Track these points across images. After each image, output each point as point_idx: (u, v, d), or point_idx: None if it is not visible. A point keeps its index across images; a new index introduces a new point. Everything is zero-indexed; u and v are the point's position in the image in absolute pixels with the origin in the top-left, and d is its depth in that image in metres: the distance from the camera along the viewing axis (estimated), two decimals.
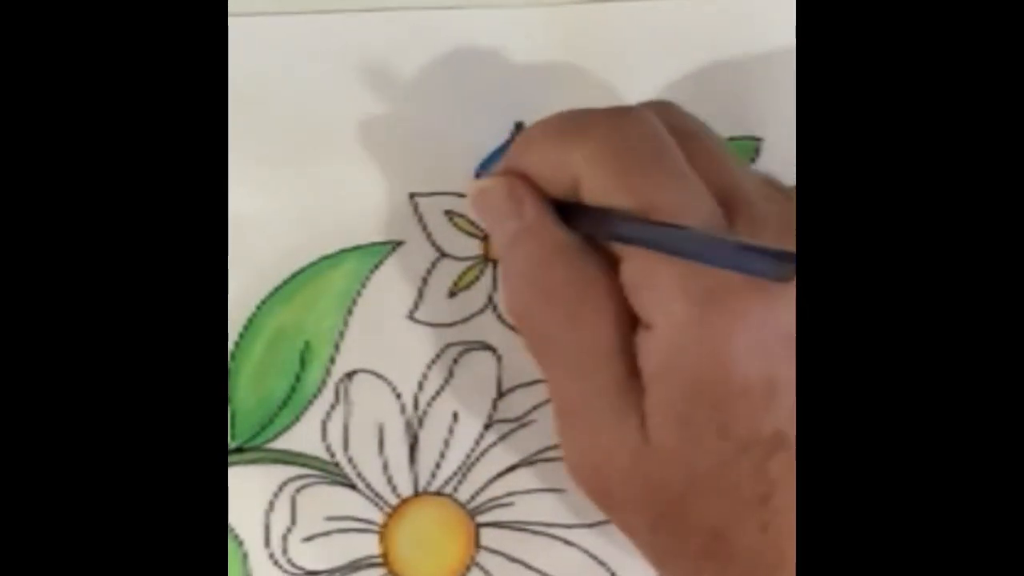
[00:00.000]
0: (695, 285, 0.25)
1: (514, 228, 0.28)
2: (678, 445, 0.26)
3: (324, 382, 0.31)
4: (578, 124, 0.28)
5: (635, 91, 0.31)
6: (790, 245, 0.24)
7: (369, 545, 0.31)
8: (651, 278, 0.26)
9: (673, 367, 0.26)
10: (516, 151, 0.29)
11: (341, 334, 0.31)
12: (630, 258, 0.26)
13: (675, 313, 0.25)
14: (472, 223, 0.32)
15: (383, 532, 0.31)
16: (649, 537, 0.27)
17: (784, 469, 0.25)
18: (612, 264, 0.27)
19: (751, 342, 0.25)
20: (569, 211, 0.28)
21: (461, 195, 0.31)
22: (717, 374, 0.25)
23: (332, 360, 0.31)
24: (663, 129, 0.27)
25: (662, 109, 0.28)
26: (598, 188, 0.27)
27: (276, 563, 0.31)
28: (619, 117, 0.27)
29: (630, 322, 0.26)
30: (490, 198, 0.29)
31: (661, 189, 0.26)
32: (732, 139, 0.32)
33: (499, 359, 0.32)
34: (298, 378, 0.31)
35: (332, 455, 0.31)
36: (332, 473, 0.31)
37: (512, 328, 0.32)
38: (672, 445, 0.26)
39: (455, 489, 0.31)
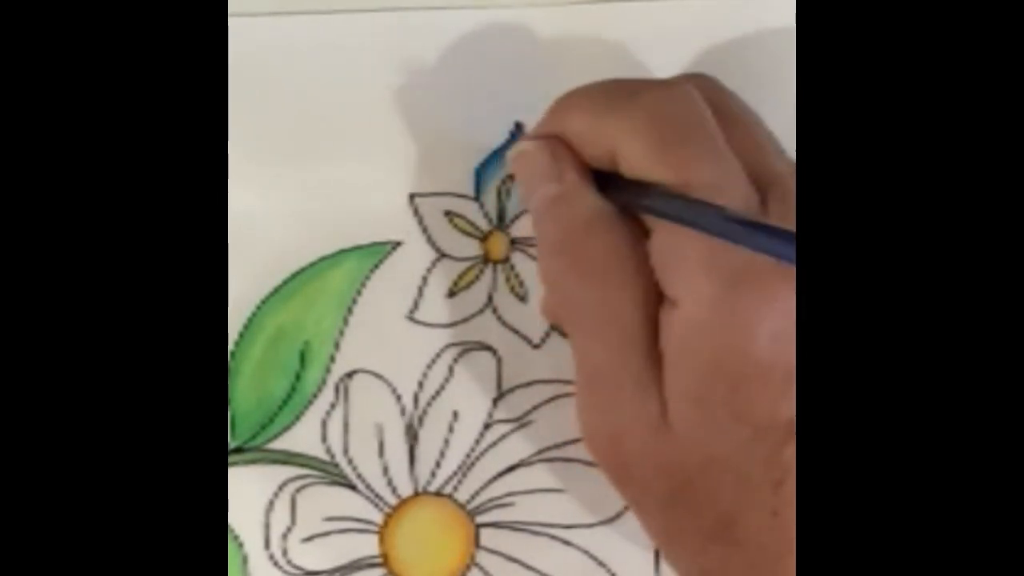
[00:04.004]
0: (723, 265, 0.25)
1: (554, 191, 0.28)
2: (694, 425, 0.26)
3: (324, 382, 0.31)
4: (620, 94, 0.27)
5: None
6: None
7: (369, 545, 0.31)
8: (679, 255, 0.26)
9: (694, 346, 0.25)
10: (554, 117, 0.29)
11: (341, 334, 0.31)
12: (660, 233, 0.26)
13: (700, 292, 0.25)
14: (471, 224, 0.32)
15: (383, 532, 0.31)
16: (658, 515, 0.27)
17: None
18: (644, 237, 0.27)
19: (774, 328, 0.25)
20: (605, 180, 0.28)
21: (461, 195, 0.31)
22: (737, 357, 0.25)
23: (332, 360, 0.31)
24: (704, 106, 0.27)
25: (705, 84, 0.28)
26: (635, 160, 0.26)
27: (276, 563, 0.31)
28: (661, 90, 0.27)
29: (658, 297, 0.26)
30: (532, 160, 0.28)
31: (698, 166, 0.26)
32: None
33: (499, 359, 0.32)
34: (298, 378, 0.31)
35: (331, 455, 0.31)
36: (331, 473, 0.31)
37: (512, 329, 0.32)
38: (689, 424, 0.26)
39: (455, 489, 0.31)
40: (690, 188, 0.26)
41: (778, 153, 0.28)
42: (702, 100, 0.27)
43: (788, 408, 0.25)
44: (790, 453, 0.25)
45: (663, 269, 0.26)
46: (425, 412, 0.31)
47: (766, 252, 0.24)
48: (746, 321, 0.25)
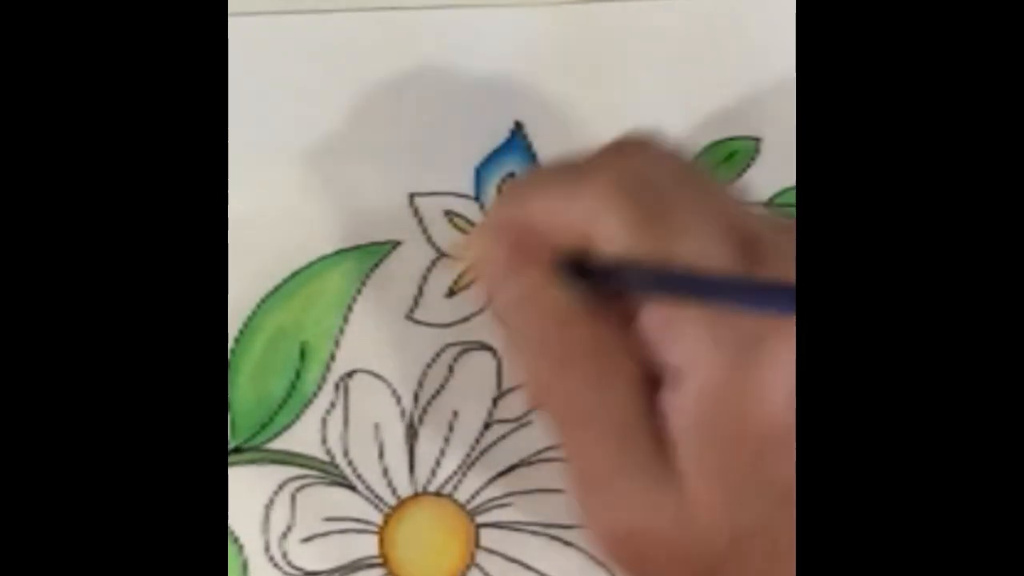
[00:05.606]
0: (729, 332, 0.24)
1: (516, 292, 0.26)
2: (718, 503, 0.24)
3: (323, 382, 0.31)
4: (582, 168, 0.26)
5: (635, 91, 0.31)
6: None
7: (368, 546, 0.31)
8: (677, 330, 0.24)
9: (708, 421, 0.24)
10: (512, 203, 0.27)
11: (340, 333, 0.31)
12: (651, 310, 0.25)
13: (706, 364, 0.24)
14: (471, 223, 0.32)
15: (382, 532, 0.31)
16: None
17: None
18: (624, 320, 0.25)
19: (787, 390, 0.24)
20: (578, 264, 0.26)
21: (461, 195, 0.31)
22: (754, 425, 0.24)
23: (331, 360, 0.31)
24: (673, 168, 0.26)
25: (660, 149, 0.26)
26: (614, 238, 0.25)
27: (275, 564, 0.31)
28: (626, 160, 0.26)
29: (650, 380, 0.25)
30: (488, 257, 0.27)
31: (681, 235, 0.24)
32: (732, 139, 0.32)
33: (498, 359, 0.32)
34: (297, 378, 0.31)
35: (331, 455, 0.31)
36: (331, 473, 0.31)
37: None
38: (713, 504, 0.24)
39: (454, 489, 0.31)
40: (674, 258, 0.24)
41: (747, 206, 0.27)
42: (670, 163, 0.26)
43: None
44: None
45: (660, 347, 0.25)
46: (425, 412, 0.31)
47: (774, 312, 0.23)
48: (757, 387, 0.24)
